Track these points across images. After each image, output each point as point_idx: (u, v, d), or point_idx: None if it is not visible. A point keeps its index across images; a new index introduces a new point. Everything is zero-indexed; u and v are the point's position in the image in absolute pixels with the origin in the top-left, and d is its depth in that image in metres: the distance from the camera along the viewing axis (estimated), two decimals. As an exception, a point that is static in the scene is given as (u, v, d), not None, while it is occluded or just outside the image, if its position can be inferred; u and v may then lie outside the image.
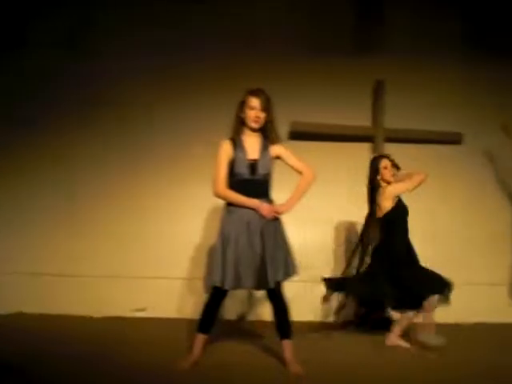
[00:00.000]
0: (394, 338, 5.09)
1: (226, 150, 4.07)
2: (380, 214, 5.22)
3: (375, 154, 5.53)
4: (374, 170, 5.30)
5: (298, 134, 6.22)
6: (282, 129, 5.90)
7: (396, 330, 5.11)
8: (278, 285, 4.06)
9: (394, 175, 5.26)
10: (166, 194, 6.24)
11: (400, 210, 5.22)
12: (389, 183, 5.23)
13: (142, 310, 6.01)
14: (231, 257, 3.95)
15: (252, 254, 3.96)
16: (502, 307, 6.21)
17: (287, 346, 4.10)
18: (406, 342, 5.06)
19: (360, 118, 6.45)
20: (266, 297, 4.17)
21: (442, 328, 4.98)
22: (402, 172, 5.36)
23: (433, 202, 6.41)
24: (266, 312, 4.24)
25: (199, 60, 6.32)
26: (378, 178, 5.27)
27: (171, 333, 5.15)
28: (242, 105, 4.11)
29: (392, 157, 5.36)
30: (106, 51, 6.32)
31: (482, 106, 6.63)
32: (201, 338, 4.12)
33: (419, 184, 5.19)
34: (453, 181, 6.53)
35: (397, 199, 5.21)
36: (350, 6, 6.56)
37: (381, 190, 5.23)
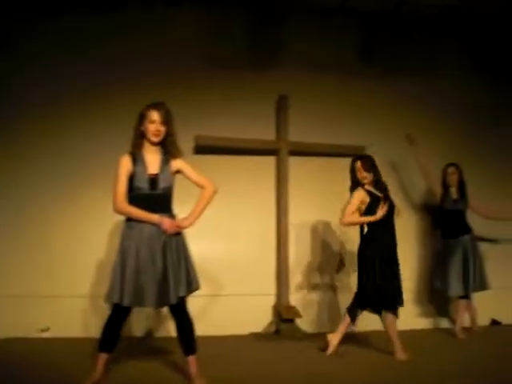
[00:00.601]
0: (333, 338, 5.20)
1: (125, 164, 3.98)
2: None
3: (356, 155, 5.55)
4: (351, 170, 5.40)
5: (203, 148, 6.22)
6: (187, 143, 5.98)
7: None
8: (182, 300, 4.00)
9: (365, 178, 5.28)
10: (69, 209, 6.07)
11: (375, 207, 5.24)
12: (363, 185, 5.29)
13: (46, 329, 5.82)
14: (131, 273, 3.87)
15: (153, 269, 3.88)
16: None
17: (192, 362, 4.06)
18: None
19: (265, 132, 6.53)
20: (169, 313, 4.11)
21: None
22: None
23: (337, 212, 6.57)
24: (173, 327, 4.19)
25: (106, 72, 6.23)
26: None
27: (76, 352, 5.01)
28: (142, 118, 4.03)
29: (368, 160, 5.38)
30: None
31: (384, 118, 6.90)
32: (103, 357, 4.01)
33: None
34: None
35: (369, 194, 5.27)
36: (247, 23, 6.64)
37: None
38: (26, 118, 6.05)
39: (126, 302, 3.86)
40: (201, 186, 4.22)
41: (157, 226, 3.93)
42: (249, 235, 6.46)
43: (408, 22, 7.07)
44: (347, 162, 6.62)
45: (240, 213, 6.41)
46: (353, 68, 6.87)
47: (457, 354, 5.26)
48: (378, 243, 5.17)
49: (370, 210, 5.21)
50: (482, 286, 6.21)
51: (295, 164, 6.53)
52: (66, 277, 5.92)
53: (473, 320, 6.45)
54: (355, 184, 5.34)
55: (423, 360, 4.94)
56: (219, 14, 6.54)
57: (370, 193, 5.25)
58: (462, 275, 6.14)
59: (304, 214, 6.57)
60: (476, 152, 7.12)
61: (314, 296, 6.53)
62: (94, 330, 5.49)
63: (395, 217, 5.31)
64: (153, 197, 3.98)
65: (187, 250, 4.11)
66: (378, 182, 5.31)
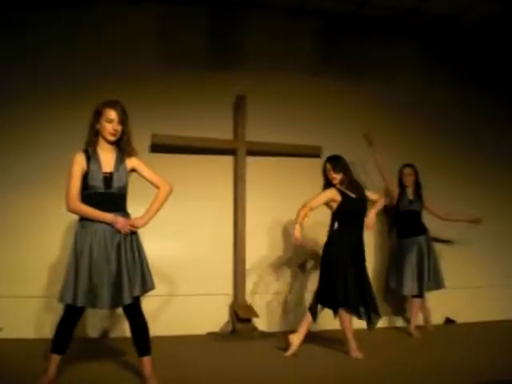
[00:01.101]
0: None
1: (79, 162, 3.91)
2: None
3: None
4: (323, 170, 5.43)
5: (159, 147, 6.18)
6: (143, 142, 5.94)
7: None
8: (136, 301, 3.95)
9: (335, 178, 5.29)
10: (23, 207, 5.93)
11: (344, 206, 5.28)
12: (334, 185, 5.32)
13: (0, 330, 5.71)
14: (84, 273, 3.80)
15: (107, 269, 3.82)
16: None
17: (146, 363, 4.01)
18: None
19: (222, 132, 6.51)
20: (124, 313, 4.06)
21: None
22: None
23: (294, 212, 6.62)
24: (128, 328, 4.14)
25: (59, 71, 6.13)
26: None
27: (28, 353, 4.91)
28: (98, 116, 3.96)
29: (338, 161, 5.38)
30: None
31: (342, 119, 6.97)
32: (55, 359, 3.93)
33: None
34: (313, 193, 6.72)
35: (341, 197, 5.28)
36: (206, 22, 6.62)
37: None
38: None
39: (79, 303, 3.80)
40: (156, 186, 4.18)
41: (111, 225, 3.89)
42: (206, 235, 6.43)
43: (369, 23, 7.16)
44: (305, 162, 6.74)
45: (197, 212, 6.38)
46: (312, 69, 6.89)
47: (411, 353, 5.33)
48: (341, 243, 5.21)
49: (341, 209, 5.25)
50: (437, 285, 6.31)
51: (253, 164, 6.53)
52: (18, 277, 5.79)
53: (426, 319, 6.55)
54: (327, 184, 5.38)
55: (378, 358, 4.98)
56: (178, 12, 6.49)
57: (341, 192, 5.28)
58: (417, 274, 6.24)
59: (261, 213, 6.57)
60: (436, 152, 7.25)
61: (270, 296, 6.54)
62: (48, 330, 5.46)
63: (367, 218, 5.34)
64: (107, 196, 3.92)
65: (142, 249, 4.06)
66: (351, 182, 5.34)
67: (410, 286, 6.24)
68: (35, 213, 5.96)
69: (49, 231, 5.93)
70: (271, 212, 6.61)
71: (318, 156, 6.73)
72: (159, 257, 5.83)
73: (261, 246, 6.55)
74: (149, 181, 4.18)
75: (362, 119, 6.98)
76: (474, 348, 5.48)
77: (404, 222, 6.46)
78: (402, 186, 6.48)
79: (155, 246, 6.03)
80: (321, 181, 6.59)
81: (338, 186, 5.32)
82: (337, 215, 5.30)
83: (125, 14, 6.40)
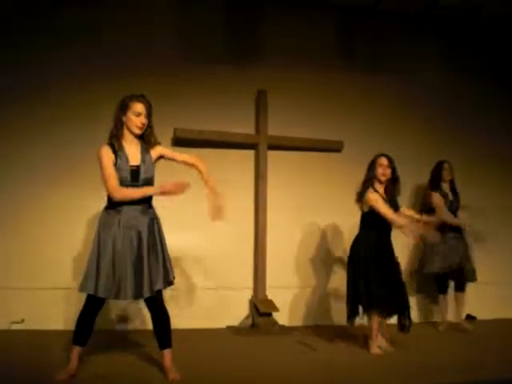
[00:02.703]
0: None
1: (108, 154, 3.92)
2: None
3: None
4: (371, 164, 5.31)
5: (181, 141, 6.20)
6: (165, 136, 5.98)
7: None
8: (158, 293, 3.97)
9: (384, 174, 5.20)
10: (43, 199, 5.98)
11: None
12: (381, 182, 5.23)
13: (20, 321, 5.76)
14: (106, 263, 3.83)
15: (129, 260, 3.86)
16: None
17: (167, 356, 4.03)
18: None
19: (244, 126, 6.53)
20: (146, 306, 4.08)
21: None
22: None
23: (317, 206, 6.63)
24: (149, 320, 4.17)
25: (83, 65, 6.16)
26: (372, 174, 5.26)
27: (50, 345, 4.94)
28: (125, 109, 3.98)
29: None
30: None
31: (363, 113, 6.94)
32: (76, 350, 3.97)
33: (391, 220, 5.09)
34: (334, 187, 6.73)
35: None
36: (227, 17, 6.61)
37: (368, 191, 5.20)
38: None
39: (100, 293, 3.84)
40: (190, 164, 4.22)
41: (136, 216, 3.92)
42: (227, 229, 6.40)
43: (389, 16, 7.10)
44: (326, 156, 6.73)
45: (219, 206, 6.38)
46: (332, 63, 6.88)
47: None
48: (368, 244, 5.15)
49: (375, 211, 5.17)
50: (471, 277, 6.38)
51: (274, 158, 6.52)
52: (39, 269, 5.85)
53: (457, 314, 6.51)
54: (368, 181, 5.26)
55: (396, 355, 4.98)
56: (199, 7, 6.51)
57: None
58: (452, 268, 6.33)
59: (283, 207, 6.58)
60: (461, 148, 7.19)
61: (291, 290, 6.53)
62: (70, 322, 5.51)
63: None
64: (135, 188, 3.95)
65: (164, 241, 4.09)
66: (393, 182, 5.28)
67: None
68: (56, 204, 6.00)
69: (70, 223, 5.97)
70: (292, 206, 6.62)
71: (339, 151, 6.73)
72: (180, 250, 5.89)
73: (281, 241, 6.55)
74: (181, 161, 4.22)
75: (383, 114, 6.95)
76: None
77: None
78: (437, 182, 6.48)
79: (176, 240, 6.04)
80: (341, 175, 6.68)
81: (377, 186, 5.23)
82: (368, 216, 5.22)
83: (142, 10, 6.41)
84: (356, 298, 5.12)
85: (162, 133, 5.97)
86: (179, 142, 6.20)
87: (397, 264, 5.23)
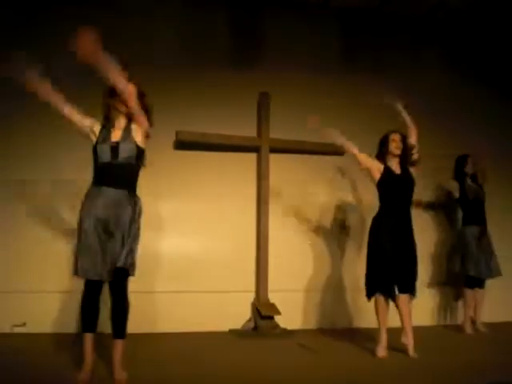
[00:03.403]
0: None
1: (91, 121, 4.03)
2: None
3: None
4: (382, 141, 5.32)
5: (183, 144, 6.22)
6: (168, 139, 6.00)
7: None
8: (120, 278, 3.90)
9: (396, 148, 5.18)
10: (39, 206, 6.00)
11: (387, 180, 5.17)
12: (394, 155, 5.19)
13: (22, 325, 5.75)
14: (83, 244, 3.84)
15: (102, 241, 3.85)
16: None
17: (117, 346, 3.95)
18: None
19: (246, 129, 6.53)
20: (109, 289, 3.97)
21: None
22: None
23: (320, 209, 6.65)
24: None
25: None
26: (384, 150, 5.25)
27: (53, 348, 4.95)
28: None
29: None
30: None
31: (366, 116, 6.92)
32: (88, 338, 3.94)
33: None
34: (337, 190, 6.75)
35: (384, 169, 5.19)
36: (229, 20, 6.64)
37: None
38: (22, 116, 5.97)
39: (81, 274, 3.85)
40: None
41: (123, 193, 3.94)
42: (229, 232, 6.44)
43: (392, 20, 7.11)
44: (328, 159, 6.72)
45: (220, 209, 6.39)
46: (334, 65, 6.89)
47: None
48: (381, 224, 5.11)
49: (382, 184, 5.19)
50: (496, 272, 6.40)
51: (276, 161, 6.52)
52: (41, 272, 5.84)
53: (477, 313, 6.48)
54: (382, 154, 5.26)
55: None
56: (200, 11, 6.52)
57: (386, 169, 5.19)
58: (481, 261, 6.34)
59: (285, 210, 6.59)
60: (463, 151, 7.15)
61: (293, 293, 6.52)
62: (73, 325, 5.52)
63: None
64: (115, 167, 3.95)
65: (136, 231, 4.02)
66: (406, 158, 5.22)
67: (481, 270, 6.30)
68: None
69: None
70: (294, 209, 6.62)
71: (341, 154, 6.71)
72: (182, 254, 5.92)
73: (284, 244, 6.54)
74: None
75: (386, 117, 6.93)
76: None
77: (470, 209, 6.51)
78: (462, 175, 6.55)
79: (178, 243, 6.12)
80: (343, 177, 6.70)
81: (391, 159, 5.20)
82: (379, 192, 5.22)
83: (149, 14, 6.43)
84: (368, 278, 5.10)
85: (165, 136, 6.07)
86: (181, 145, 6.21)
87: (410, 244, 5.10)
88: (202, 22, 6.54)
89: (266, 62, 6.65)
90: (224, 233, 6.42)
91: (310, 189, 6.69)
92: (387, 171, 5.17)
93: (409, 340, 4.92)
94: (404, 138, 5.23)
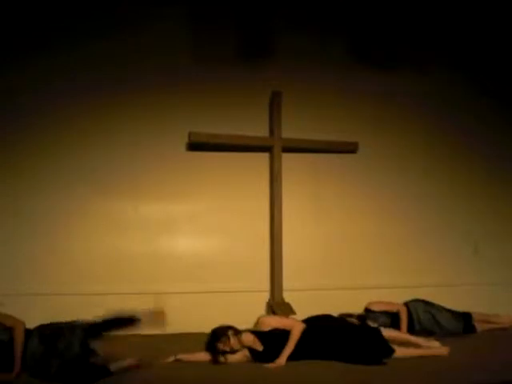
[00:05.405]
0: None
1: None
2: None
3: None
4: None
5: (196, 146, 6.24)
6: (180, 140, 6.04)
7: None
8: None
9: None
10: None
11: None
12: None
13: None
14: None
15: None
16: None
17: None
18: None
19: (258, 129, 6.52)
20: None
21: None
22: None
23: (330, 209, 6.64)
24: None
25: (96, 74, 6.22)
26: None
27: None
28: None
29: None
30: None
31: (378, 115, 6.95)
32: None
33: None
34: (349, 187, 6.75)
35: None
36: (240, 19, 6.61)
37: None
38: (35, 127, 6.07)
39: None
40: None
41: None
42: (243, 231, 6.46)
43: (403, 16, 7.06)
44: (341, 158, 6.72)
45: (234, 209, 6.41)
46: (347, 64, 6.85)
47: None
48: None
49: None
50: None
51: (289, 161, 6.52)
52: (53, 274, 5.89)
53: None
54: None
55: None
56: (211, 9, 6.52)
57: None
58: None
59: (298, 210, 6.59)
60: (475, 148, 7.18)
61: (308, 292, 6.52)
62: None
63: None
64: None
65: None
66: None
67: None
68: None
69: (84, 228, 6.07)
70: (308, 208, 6.62)
71: (353, 152, 6.71)
72: (195, 253, 5.96)
73: (298, 243, 6.54)
74: None
75: (397, 116, 6.95)
76: None
77: None
78: None
79: (191, 243, 6.15)
80: (356, 175, 6.70)
81: None
82: None
83: (153, 12, 6.42)
84: None
85: (178, 137, 6.12)
86: (194, 146, 6.24)
87: None
88: (213, 20, 6.53)
89: (278, 60, 6.64)
90: (238, 232, 6.44)
91: (323, 187, 6.68)
92: None
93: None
94: None
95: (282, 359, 4.56)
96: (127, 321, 4.64)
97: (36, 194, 5.98)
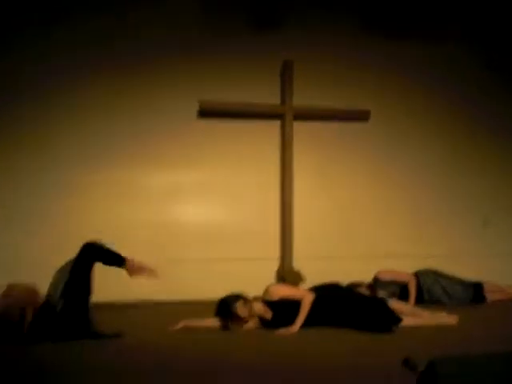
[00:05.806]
0: None
1: None
2: None
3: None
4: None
5: (207, 113, 6.24)
6: (191, 108, 6.01)
7: None
8: None
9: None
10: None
11: None
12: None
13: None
14: None
15: None
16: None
17: None
18: None
19: (269, 97, 6.49)
20: None
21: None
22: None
23: (343, 176, 6.63)
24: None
25: (107, 49, 6.21)
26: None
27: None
28: None
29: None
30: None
31: (388, 82, 6.91)
32: None
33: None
34: (361, 157, 6.72)
35: None
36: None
37: None
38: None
39: None
40: None
41: None
42: (253, 200, 6.47)
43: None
44: (353, 127, 6.68)
45: (244, 177, 6.43)
46: (358, 31, 6.77)
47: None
48: None
49: None
50: None
51: (300, 129, 6.48)
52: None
53: None
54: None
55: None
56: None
57: None
58: None
59: (309, 177, 6.60)
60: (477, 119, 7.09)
61: (318, 261, 6.52)
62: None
63: None
64: None
65: None
66: None
67: None
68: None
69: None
70: (318, 176, 6.61)
71: (366, 120, 6.66)
72: (205, 221, 5.96)
73: (308, 211, 6.55)
74: None
75: (410, 83, 6.87)
76: None
77: None
78: None
79: (202, 210, 6.15)
80: (370, 144, 6.64)
81: None
82: None
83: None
84: None
85: (188, 105, 6.10)
86: (205, 113, 6.22)
87: None
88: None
89: (289, 29, 6.59)
90: (248, 200, 6.46)
91: (334, 155, 6.65)
92: None
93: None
94: None
95: (295, 327, 4.57)
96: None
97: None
